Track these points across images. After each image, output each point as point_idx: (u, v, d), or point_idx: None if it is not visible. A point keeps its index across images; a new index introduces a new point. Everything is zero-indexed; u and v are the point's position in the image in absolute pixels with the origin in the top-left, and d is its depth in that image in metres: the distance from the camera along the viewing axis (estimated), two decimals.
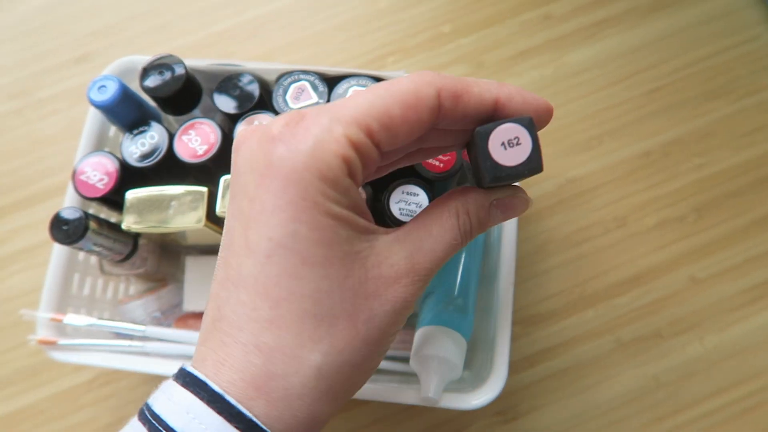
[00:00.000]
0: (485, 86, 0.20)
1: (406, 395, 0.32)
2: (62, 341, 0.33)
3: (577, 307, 0.42)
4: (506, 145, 0.21)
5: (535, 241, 0.43)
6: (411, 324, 0.39)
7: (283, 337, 0.18)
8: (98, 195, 0.34)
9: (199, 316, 0.38)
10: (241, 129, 0.20)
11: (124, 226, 0.33)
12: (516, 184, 0.23)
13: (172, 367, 0.33)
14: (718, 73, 0.46)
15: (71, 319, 0.33)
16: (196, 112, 0.37)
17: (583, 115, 0.45)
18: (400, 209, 0.32)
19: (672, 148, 0.45)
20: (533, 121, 0.20)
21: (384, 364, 0.36)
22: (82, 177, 0.34)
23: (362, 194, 0.33)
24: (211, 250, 0.39)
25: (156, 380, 0.41)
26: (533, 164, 0.21)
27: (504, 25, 0.48)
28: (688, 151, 0.44)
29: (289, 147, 0.18)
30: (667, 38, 0.47)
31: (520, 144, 0.21)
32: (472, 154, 0.22)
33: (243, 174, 0.19)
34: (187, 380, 0.19)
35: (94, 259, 0.38)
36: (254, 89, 0.36)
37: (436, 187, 0.33)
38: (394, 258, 0.20)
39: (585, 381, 0.40)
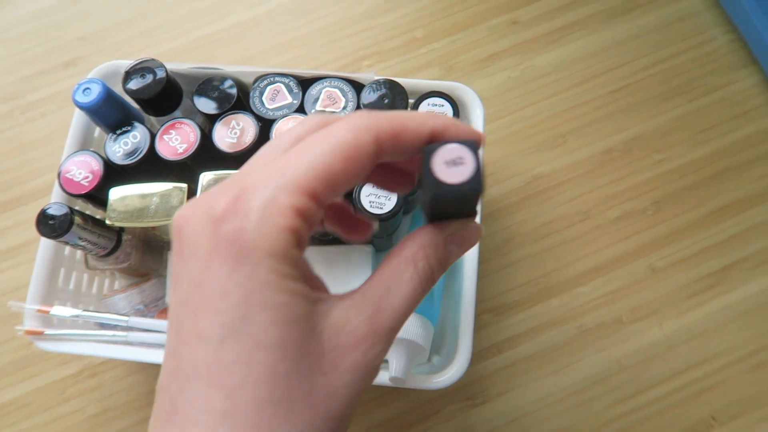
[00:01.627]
0: (420, 120, 0.20)
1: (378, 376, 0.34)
2: (49, 331, 0.35)
3: (543, 297, 0.44)
4: (450, 164, 0.21)
5: (503, 234, 0.45)
6: None
7: (238, 429, 0.17)
8: (83, 192, 0.35)
9: None
10: (180, 210, 0.19)
11: (107, 222, 0.35)
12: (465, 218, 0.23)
13: (155, 356, 0.35)
14: (676, 74, 0.49)
15: (58, 310, 0.35)
16: (177, 113, 0.39)
17: (548, 114, 0.48)
18: (370, 202, 0.35)
19: (633, 144, 0.47)
20: (477, 144, 0.21)
21: None
22: (68, 175, 0.36)
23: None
24: None
25: (141, 369, 0.43)
26: (474, 184, 0.20)
27: (473, 30, 0.50)
28: (649, 148, 0.47)
29: (234, 227, 0.17)
30: (628, 42, 0.50)
31: (463, 164, 0.21)
32: (420, 178, 0.22)
33: (187, 259, 0.18)
34: None
35: (79, 254, 0.39)
36: (232, 91, 0.38)
37: None
38: (352, 324, 0.19)
39: (551, 366, 0.42)
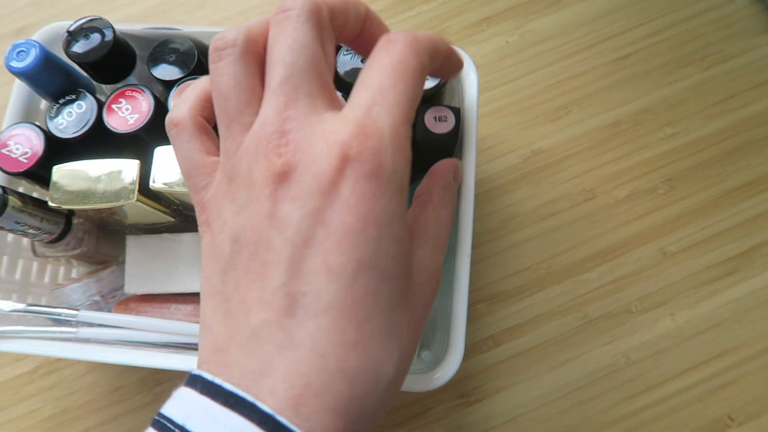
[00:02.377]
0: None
1: None
2: None
3: (544, 284, 0.40)
4: (437, 120, 0.31)
5: (500, 215, 0.41)
6: None
7: (367, 357, 0.18)
8: (22, 170, 0.31)
9: (142, 298, 0.36)
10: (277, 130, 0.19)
11: (50, 203, 0.30)
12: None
13: (109, 354, 0.31)
14: (689, 39, 0.44)
15: None
16: (132, 79, 0.35)
17: (549, 84, 0.43)
18: None
19: (642, 117, 0.43)
20: (461, 111, 0.31)
21: None
22: (4, 150, 0.31)
23: None
24: (155, 229, 0.37)
25: (101, 366, 0.39)
26: (453, 136, 0.30)
27: None
28: (659, 121, 0.43)
29: (371, 150, 0.18)
30: (635, 4, 0.45)
31: (446, 121, 0.31)
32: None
33: (296, 194, 0.18)
34: (268, 425, 0.17)
35: (26, 240, 0.35)
36: (191, 54, 0.33)
37: None
38: (425, 262, 0.21)
39: (552, 360, 0.38)
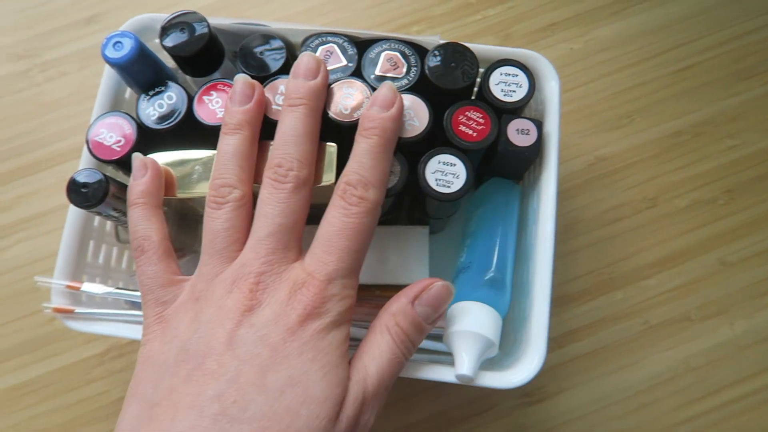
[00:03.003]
0: None
1: (439, 372, 0.31)
2: (79, 310, 0.31)
3: (606, 288, 0.40)
4: (519, 132, 0.32)
5: (564, 220, 0.42)
6: None
7: None
8: (114, 157, 0.32)
9: None
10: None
11: None
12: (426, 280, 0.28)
13: None
14: (750, 52, 0.45)
15: (89, 287, 0.32)
16: (217, 74, 0.35)
17: (612, 92, 0.44)
18: (436, 180, 0.31)
19: (703, 128, 0.43)
20: (542, 125, 0.33)
21: None
22: (98, 138, 0.32)
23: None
24: None
25: None
26: (534, 150, 0.32)
27: None
28: (720, 132, 0.43)
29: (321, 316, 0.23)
30: (697, 15, 0.46)
31: (529, 134, 0.32)
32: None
33: (268, 327, 0.23)
34: None
35: (109, 226, 0.36)
36: (281, 51, 0.34)
37: (471, 157, 0.32)
38: (362, 383, 0.24)
39: (613, 363, 0.39)
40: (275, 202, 0.25)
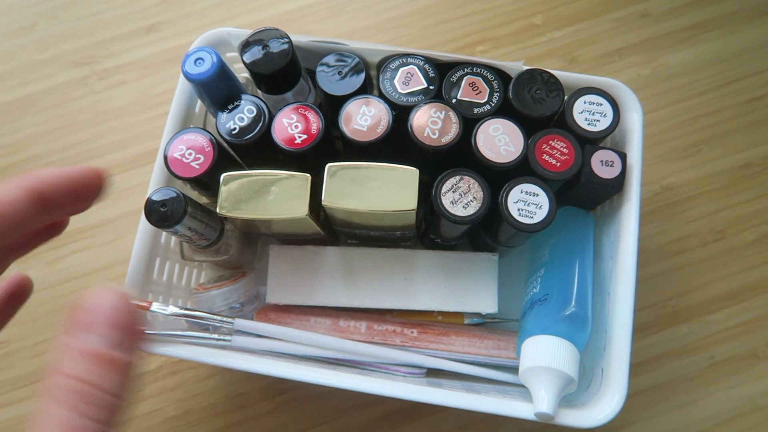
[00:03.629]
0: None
1: (515, 408, 0.30)
2: (149, 331, 0.31)
3: (670, 322, 0.40)
4: (604, 164, 0.32)
5: None
6: (506, 329, 0.37)
7: None
8: (194, 175, 0.31)
9: (281, 309, 0.36)
10: None
11: (219, 211, 0.30)
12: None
13: (262, 365, 0.31)
14: None
15: (158, 306, 0.31)
16: (290, 93, 0.35)
17: (680, 120, 0.43)
18: (519, 210, 0.30)
19: None
20: (626, 157, 0.32)
21: (481, 372, 0.34)
22: (176, 155, 0.32)
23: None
24: (291, 240, 0.37)
25: (224, 371, 0.39)
26: (618, 182, 0.32)
27: (599, 20, 0.46)
28: None
29: None
30: None
31: (613, 166, 0.32)
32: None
33: None
34: None
35: (173, 243, 0.35)
36: (360, 71, 0.33)
37: (551, 186, 0.31)
38: None
39: (677, 399, 0.38)
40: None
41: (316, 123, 0.32)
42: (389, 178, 0.30)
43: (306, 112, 0.32)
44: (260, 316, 0.36)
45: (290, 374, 0.30)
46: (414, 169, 0.30)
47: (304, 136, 0.32)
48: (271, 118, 0.32)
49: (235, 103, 0.33)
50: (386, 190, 0.30)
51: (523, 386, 0.33)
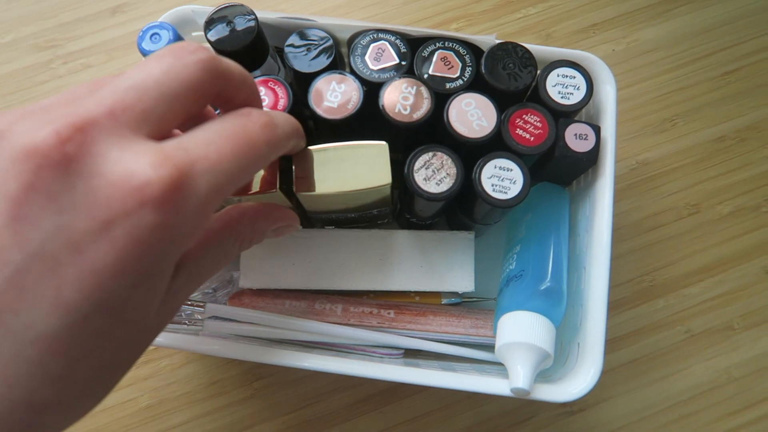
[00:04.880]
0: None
1: (491, 384, 0.30)
2: None
3: (647, 296, 0.40)
4: (578, 137, 0.31)
5: None
6: (483, 308, 0.36)
7: (65, 395, 0.16)
8: None
9: (255, 293, 0.35)
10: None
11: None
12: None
13: (237, 350, 0.30)
14: None
15: None
16: (258, 71, 0.34)
17: (655, 95, 0.43)
18: (492, 185, 0.30)
19: (747, 134, 0.43)
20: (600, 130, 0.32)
21: (459, 351, 0.34)
22: None
23: None
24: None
25: (198, 358, 0.39)
26: (591, 156, 0.31)
27: None
28: (764, 138, 0.42)
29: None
30: (743, 18, 0.45)
31: (587, 140, 0.31)
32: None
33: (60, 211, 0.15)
34: None
35: None
36: (329, 47, 0.32)
37: (526, 161, 0.31)
38: (177, 296, 0.20)
39: (655, 373, 0.38)
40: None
41: (284, 95, 0.31)
42: (359, 155, 0.29)
43: (273, 86, 0.31)
44: (234, 300, 0.35)
45: (266, 359, 0.29)
46: (382, 143, 0.29)
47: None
48: None
49: None
50: (358, 168, 0.29)
51: (501, 364, 0.33)
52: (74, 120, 0.15)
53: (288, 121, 0.22)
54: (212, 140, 0.18)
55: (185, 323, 0.31)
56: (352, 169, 0.29)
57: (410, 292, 0.37)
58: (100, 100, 0.16)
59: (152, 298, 0.17)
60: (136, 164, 0.15)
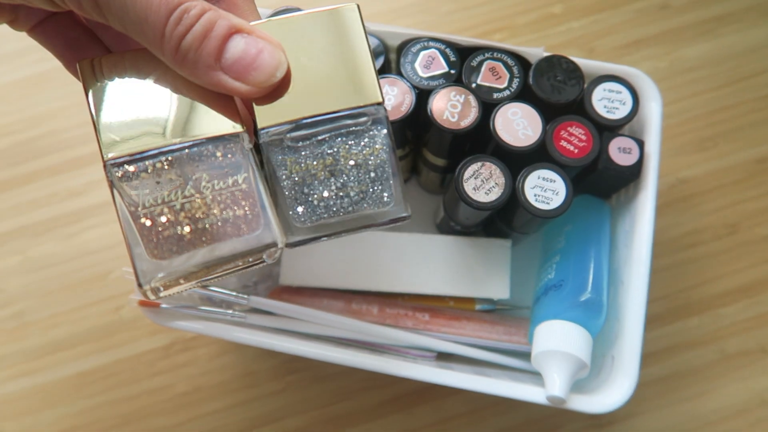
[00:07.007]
0: None
1: (527, 391, 0.30)
2: (165, 305, 0.31)
3: (681, 314, 0.40)
4: (621, 150, 0.32)
5: None
6: (516, 316, 0.37)
7: None
8: None
9: (294, 291, 0.36)
10: None
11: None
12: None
13: (277, 341, 0.31)
14: None
15: None
16: None
17: (697, 113, 0.43)
18: (535, 195, 0.30)
19: None
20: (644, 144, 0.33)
21: (492, 357, 0.34)
22: None
23: None
24: None
25: (235, 349, 0.39)
26: (635, 170, 0.32)
27: (618, 11, 0.45)
28: None
29: None
30: None
31: (631, 153, 0.32)
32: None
33: None
34: None
35: None
36: (379, 54, 0.33)
37: (568, 173, 0.31)
38: None
39: (686, 391, 0.38)
40: None
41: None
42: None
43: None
44: (273, 296, 0.36)
45: (305, 351, 0.30)
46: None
47: None
48: None
49: None
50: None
51: (533, 372, 0.33)
52: None
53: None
54: None
55: (229, 313, 0.32)
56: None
57: (445, 296, 0.37)
58: None
59: None
60: None
